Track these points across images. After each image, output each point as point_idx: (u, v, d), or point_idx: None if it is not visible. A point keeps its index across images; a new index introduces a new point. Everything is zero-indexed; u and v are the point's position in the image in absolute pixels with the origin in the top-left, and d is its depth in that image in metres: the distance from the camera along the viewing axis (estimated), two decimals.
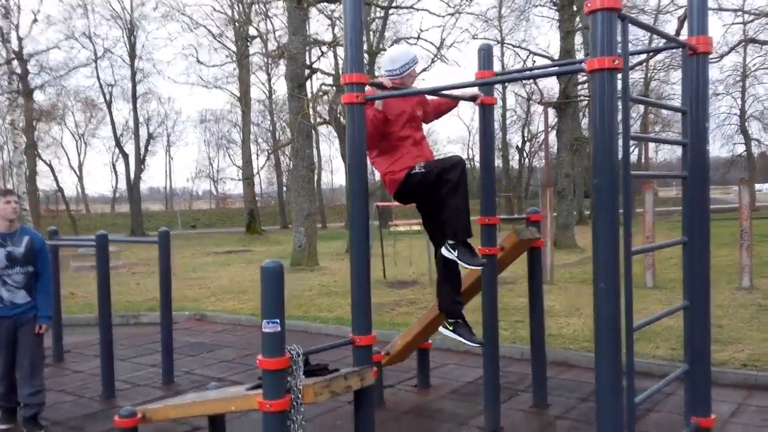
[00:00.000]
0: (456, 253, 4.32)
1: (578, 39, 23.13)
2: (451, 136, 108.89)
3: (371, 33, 24.31)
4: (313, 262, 17.35)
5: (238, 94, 31.31)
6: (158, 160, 62.14)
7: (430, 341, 6.04)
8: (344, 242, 22.85)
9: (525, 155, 44.76)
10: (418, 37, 19.94)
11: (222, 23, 27.84)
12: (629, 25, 3.27)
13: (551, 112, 25.16)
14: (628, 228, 3.24)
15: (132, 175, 37.10)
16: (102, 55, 33.53)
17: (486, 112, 4.81)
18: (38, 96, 30.40)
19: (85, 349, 7.90)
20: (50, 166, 30.25)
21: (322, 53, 20.41)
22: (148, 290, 13.06)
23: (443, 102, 4.97)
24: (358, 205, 3.91)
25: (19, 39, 26.68)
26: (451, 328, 4.63)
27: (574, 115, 32.99)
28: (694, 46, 3.87)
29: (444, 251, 4.41)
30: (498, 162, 42.24)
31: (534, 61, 27.21)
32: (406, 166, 4.45)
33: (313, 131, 20.63)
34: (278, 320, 3.39)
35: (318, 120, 21.74)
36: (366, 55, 24.57)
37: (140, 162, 37.49)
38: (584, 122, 38.71)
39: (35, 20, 27.34)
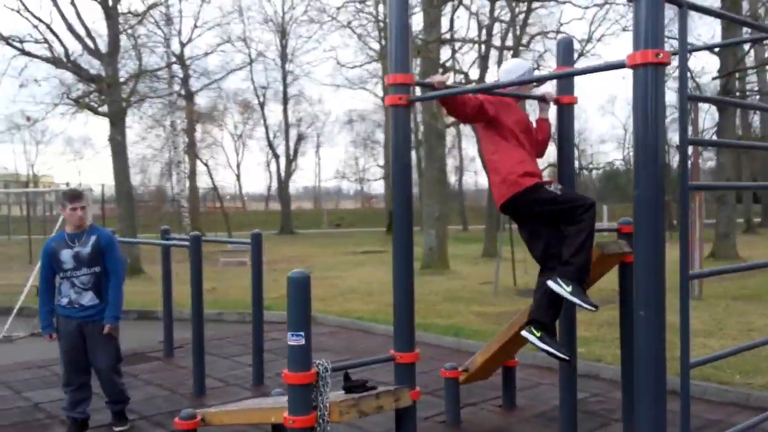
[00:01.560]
0: (570, 289, 3.94)
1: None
2: (605, 135, 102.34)
3: (513, 28, 23.68)
4: (443, 265, 17.17)
5: (381, 94, 31.77)
6: (309, 159, 64.67)
7: (516, 359, 5.67)
8: (482, 245, 22.47)
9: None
10: (558, 31, 19.10)
11: (365, 22, 28.34)
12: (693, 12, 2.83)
13: (712, 108, 23.26)
14: (685, 248, 2.79)
15: (282, 175, 38.90)
16: (256, 58, 35.36)
17: (565, 112, 4.41)
18: (200, 99, 32.63)
19: None
20: (207, 165, 32.32)
21: (455, 51, 20.11)
22: (283, 287, 13.51)
23: (543, 131, 4.59)
24: (402, 213, 3.71)
25: (181, 44, 28.71)
26: (538, 335, 4.12)
27: (742, 113, 30.32)
28: None
29: (553, 284, 4.01)
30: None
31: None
32: (531, 172, 4.16)
33: (446, 131, 20.44)
34: (303, 333, 3.27)
35: (450, 120, 21.50)
36: (509, 53, 24.00)
37: (290, 162, 39.21)
38: (755, 120, 35.37)
39: (195, 26, 29.22)
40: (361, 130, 44.98)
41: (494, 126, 4.18)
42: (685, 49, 2.76)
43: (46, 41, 17.10)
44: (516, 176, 4.11)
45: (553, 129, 4.55)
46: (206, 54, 30.19)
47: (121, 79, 18.09)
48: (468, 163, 45.11)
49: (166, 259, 7.53)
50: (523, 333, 4.21)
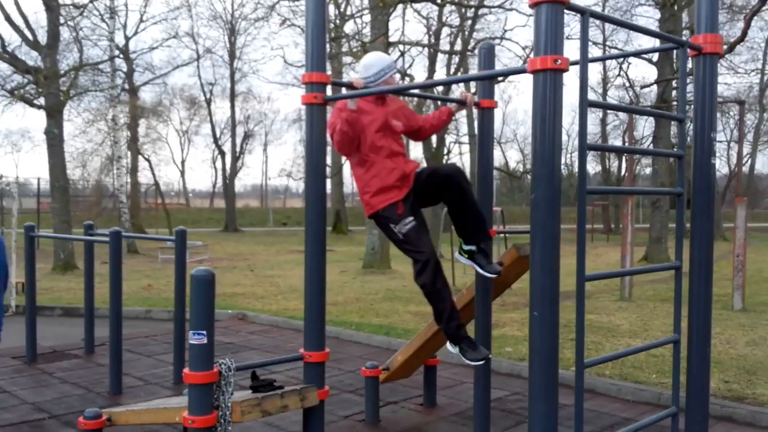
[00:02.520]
0: (457, 351, 4.08)
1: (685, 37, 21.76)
2: None
3: (461, 33, 23.86)
4: (385, 265, 17.24)
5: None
6: (256, 158, 63.93)
7: (438, 358, 5.70)
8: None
9: (626, 162, 42.75)
10: (502, 38, 19.34)
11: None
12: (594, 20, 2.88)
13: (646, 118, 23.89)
14: (582, 250, 2.84)
15: (228, 172, 38.40)
16: (203, 55, 34.83)
17: (485, 115, 4.45)
18: (145, 94, 32.00)
19: (126, 342, 7.96)
20: (149, 161, 31.64)
21: (401, 54, 20.18)
22: (221, 285, 13.36)
23: (435, 118, 4.53)
24: (314, 212, 3.68)
25: (126, 38, 28.03)
26: (456, 350, 4.17)
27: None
28: (698, 46, 3.39)
29: (449, 347, 4.14)
30: (597, 168, 40.62)
31: (629, 64, 25.87)
32: (385, 187, 4.08)
33: None
34: (205, 332, 3.21)
35: None
36: (456, 57, 24.17)
37: (236, 159, 38.73)
38: (691, 128, 36.50)
39: (141, 20, 28.51)
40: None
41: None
42: (585, 56, 2.80)
43: None
44: (368, 197, 4.10)
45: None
46: (152, 48, 29.88)
47: (61, 72, 17.58)
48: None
49: (89, 255, 7.31)
50: (447, 346, 4.25)
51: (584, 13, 2.81)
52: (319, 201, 3.67)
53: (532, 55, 2.75)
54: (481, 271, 4.13)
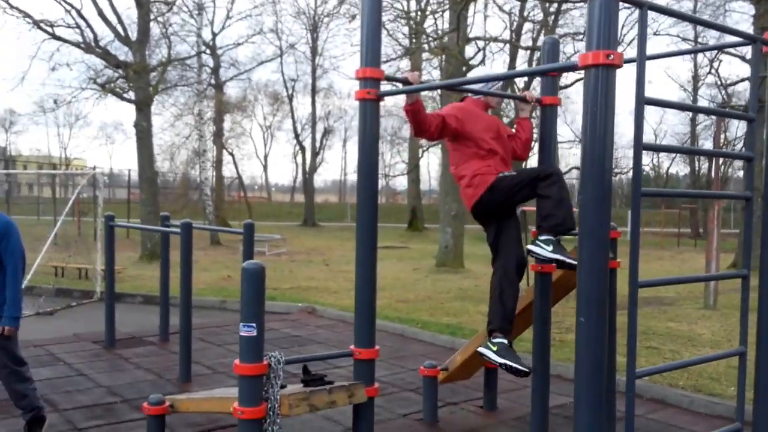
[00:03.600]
0: (550, 249, 3.91)
1: None
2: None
3: (544, 28, 23.33)
4: (459, 264, 17.10)
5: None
6: (335, 153, 64.82)
7: None
8: None
9: (719, 164, 40.83)
10: (584, 33, 18.73)
11: (395, 17, 28.28)
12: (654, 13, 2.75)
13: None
14: (636, 255, 2.72)
15: (308, 167, 39.06)
16: (286, 51, 35.50)
17: (547, 113, 4.33)
18: (230, 89, 32.90)
19: (199, 331, 8.22)
20: (232, 154, 32.54)
21: (479, 50, 19.87)
22: (297, 278, 13.64)
23: (525, 130, 4.63)
24: (367, 209, 3.68)
25: (213, 34, 28.87)
26: (494, 349, 4.12)
27: None
28: None
29: (533, 247, 4.00)
30: (685, 170, 38.95)
31: (720, 61, 24.65)
32: (496, 171, 4.19)
33: None
34: (255, 324, 3.26)
35: None
36: (538, 53, 23.65)
37: (316, 154, 39.34)
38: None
39: (228, 16, 29.34)
40: (388, 125, 45.02)
41: (461, 138, 4.22)
42: (643, 52, 2.68)
43: (77, 26, 17.36)
44: (481, 176, 4.18)
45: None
46: (237, 44, 30.41)
47: (150, 66, 18.30)
48: None
49: (164, 245, 7.59)
50: (480, 350, 4.20)
51: (642, 6, 2.68)
52: (372, 198, 3.67)
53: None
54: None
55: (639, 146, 2.69)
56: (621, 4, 2.62)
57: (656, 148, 3.18)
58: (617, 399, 4.23)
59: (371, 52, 3.57)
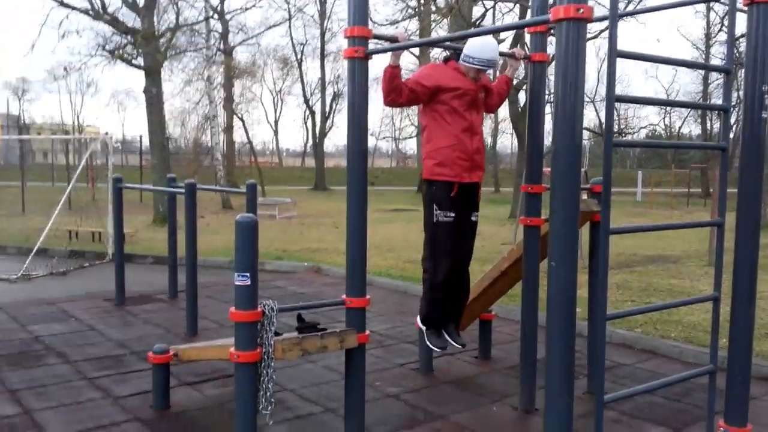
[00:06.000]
0: (425, 329, 4.69)
1: None
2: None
3: None
4: None
5: (417, 52, 31.40)
6: (346, 117, 64.54)
7: (492, 312, 5.78)
8: (510, 207, 22.38)
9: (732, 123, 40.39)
10: None
11: None
12: None
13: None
14: (607, 202, 2.84)
15: (318, 132, 39.11)
16: (294, 15, 35.31)
17: (536, 70, 4.41)
18: (240, 54, 32.87)
19: (207, 289, 8.45)
20: (242, 120, 32.58)
21: (486, 10, 19.74)
22: (307, 240, 13.84)
23: (502, 82, 4.69)
24: (356, 167, 3.80)
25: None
26: (425, 329, 4.72)
27: None
28: None
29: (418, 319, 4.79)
30: (697, 130, 38.63)
31: None
32: (449, 161, 4.30)
33: None
34: (249, 274, 3.42)
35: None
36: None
37: (326, 119, 39.33)
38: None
39: None
40: None
41: (432, 101, 4.31)
42: (615, 8, 2.77)
43: None
44: (431, 163, 4.36)
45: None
46: (245, 9, 30.24)
47: (159, 32, 18.32)
48: (505, 125, 44.61)
49: (171, 205, 7.77)
50: (418, 320, 4.74)
51: None
52: (362, 154, 3.78)
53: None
54: (453, 342, 4.66)
55: (611, 98, 2.79)
56: None
57: (628, 100, 3.24)
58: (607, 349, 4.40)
59: (359, 10, 3.64)
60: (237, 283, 3.45)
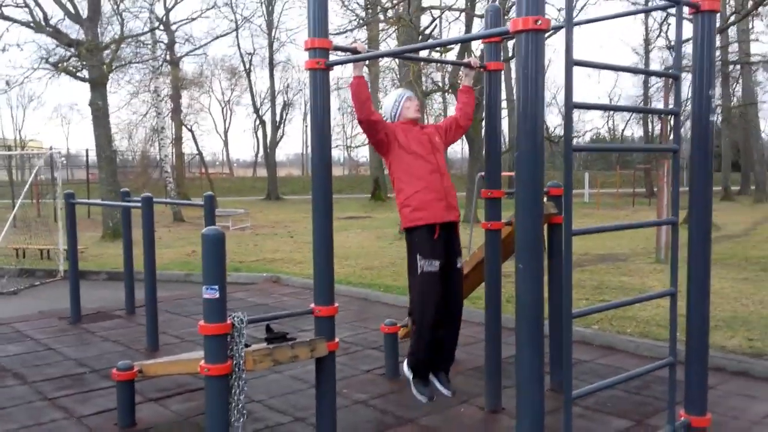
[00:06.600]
0: (411, 377, 4.50)
1: None
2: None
3: None
4: None
5: (366, 62, 31.65)
6: (297, 127, 64.63)
7: None
8: (462, 212, 22.65)
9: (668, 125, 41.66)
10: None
11: None
12: None
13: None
14: (569, 205, 2.95)
15: (269, 141, 38.85)
16: (242, 25, 35.05)
17: (492, 78, 4.52)
18: (187, 65, 32.47)
19: (166, 304, 8.34)
20: (191, 131, 32.23)
21: (434, 19, 20.00)
22: (261, 251, 13.76)
23: (463, 92, 4.71)
24: (320, 176, 3.84)
25: (166, 9, 28.36)
26: (410, 376, 4.54)
27: (723, 82, 30.34)
28: (696, 3, 3.41)
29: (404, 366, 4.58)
30: (639, 132, 39.74)
31: (669, 24, 25.08)
32: (424, 205, 4.27)
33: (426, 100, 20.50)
34: (217, 286, 3.43)
35: (431, 87, 21.50)
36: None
37: (277, 128, 39.12)
38: (738, 89, 35.45)
39: None
40: (348, 97, 44.88)
41: (394, 149, 4.33)
42: (570, 17, 2.88)
43: (26, 5, 16.93)
44: (408, 210, 4.31)
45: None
46: (192, 19, 29.89)
47: (103, 44, 18.00)
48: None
49: (125, 220, 7.66)
50: (405, 368, 4.57)
51: None
52: (326, 165, 3.82)
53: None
54: (443, 389, 4.51)
55: (569, 105, 2.90)
56: None
57: (585, 106, 3.37)
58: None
59: (319, 22, 3.69)
60: (206, 296, 3.45)
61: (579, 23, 3.61)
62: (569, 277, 2.98)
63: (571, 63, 2.88)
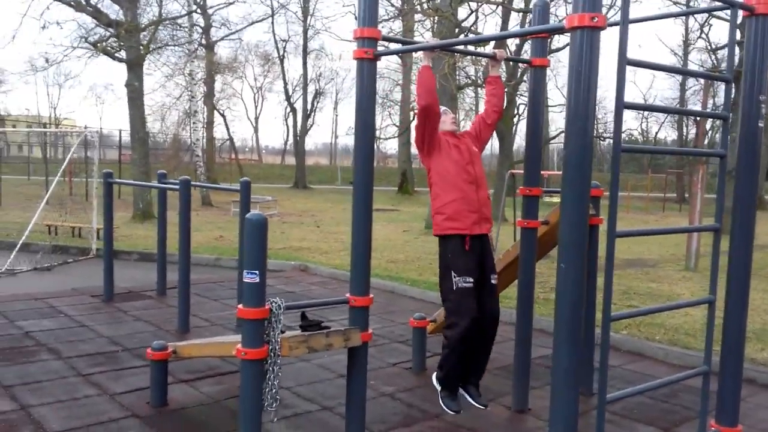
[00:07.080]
0: (440, 390, 4.49)
1: None
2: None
3: None
4: None
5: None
6: (327, 116, 64.91)
7: None
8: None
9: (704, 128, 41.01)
10: None
11: None
12: None
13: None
14: (614, 207, 2.92)
15: (299, 130, 39.00)
16: (277, 11, 35.16)
17: (536, 74, 4.49)
18: (221, 50, 32.66)
19: (195, 287, 8.37)
20: (223, 116, 32.44)
21: (471, 12, 19.85)
22: (288, 239, 13.83)
23: (488, 94, 4.66)
24: (362, 167, 3.85)
25: None
26: (439, 389, 4.54)
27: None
28: (751, 6, 3.35)
29: (434, 378, 4.57)
30: (673, 135, 39.18)
31: (711, 26, 24.63)
32: (459, 215, 4.28)
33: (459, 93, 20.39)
34: (258, 272, 3.45)
35: (464, 81, 21.39)
36: (523, 15, 23.60)
37: (307, 117, 39.24)
38: None
39: None
40: (380, 88, 44.83)
41: (436, 153, 4.36)
42: (626, 15, 2.84)
43: None
44: (441, 218, 4.35)
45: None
46: (228, 4, 30.00)
47: (142, 26, 18.18)
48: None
49: (162, 202, 7.75)
50: (434, 378, 4.59)
51: None
52: (368, 156, 3.83)
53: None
54: (474, 402, 4.51)
55: (620, 105, 2.87)
56: None
57: (636, 107, 3.34)
58: (595, 351, 4.50)
59: (369, 12, 3.69)
60: (246, 280, 3.48)
61: (633, 21, 3.57)
62: (610, 279, 2.96)
63: (624, 62, 2.85)
